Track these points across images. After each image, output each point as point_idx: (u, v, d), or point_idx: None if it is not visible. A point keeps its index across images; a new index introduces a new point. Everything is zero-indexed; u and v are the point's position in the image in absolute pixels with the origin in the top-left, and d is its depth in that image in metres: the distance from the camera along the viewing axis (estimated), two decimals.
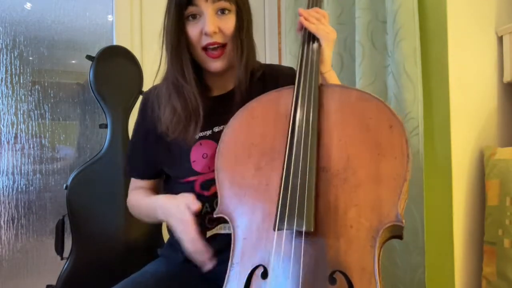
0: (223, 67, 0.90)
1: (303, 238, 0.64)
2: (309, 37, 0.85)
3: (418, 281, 1.22)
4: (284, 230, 0.64)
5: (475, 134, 1.24)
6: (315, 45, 0.84)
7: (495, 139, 1.26)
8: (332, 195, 0.67)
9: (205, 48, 0.88)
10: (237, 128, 0.80)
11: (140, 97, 1.61)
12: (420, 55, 1.24)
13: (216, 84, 0.97)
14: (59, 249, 1.48)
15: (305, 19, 0.84)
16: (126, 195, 1.10)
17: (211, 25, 0.84)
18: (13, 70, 1.76)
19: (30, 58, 1.80)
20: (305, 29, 0.86)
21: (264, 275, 0.65)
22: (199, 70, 0.93)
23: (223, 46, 0.88)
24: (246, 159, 0.76)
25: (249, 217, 0.71)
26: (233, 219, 0.72)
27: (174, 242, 1.01)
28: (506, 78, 1.24)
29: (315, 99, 0.76)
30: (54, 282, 1.42)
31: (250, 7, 0.93)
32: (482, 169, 1.22)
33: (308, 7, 0.90)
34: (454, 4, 1.21)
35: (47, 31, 1.83)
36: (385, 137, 0.70)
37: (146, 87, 1.63)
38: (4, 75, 1.74)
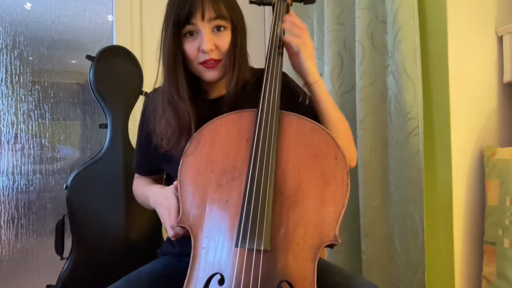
0: (219, 77, 0.93)
1: (261, 254, 0.72)
2: (272, 60, 0.91)
3: (418, 281, 1.22)
4: (246, 248, 0.72)
5: (475, 134, 1.24)
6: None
7: (495, 139, 1.26)
8: (285, 216, 0.76)
9: (201, 62, 0.92)
10: (201, 144, 0.84)
11: (140, 97, 1.62)
12: (420, 55, 1.24)
13: (212, 88, 1.00)
14: (59, 249, 1.48)
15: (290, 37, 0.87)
16: (126, 195, 1.11)
17: (208, 43, 0.87)
18: (13, 70, 1.76)
19: (30, 58, 1.80)
20: (269, 56, 0.91)
21: (221, 282, 0.72)
22: (195, 76, 0.96)
23: (218, 60, 0.92)
24: (208, 174, 0.81)
25: (209, 229, 0.77)
26: (194, 229, 0.78)
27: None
28: (506, 78, 1.24)
29: (276, 126, 0.82)
30: (54, 282, 1.42)
31: (245, 22, 0.96)
32: (482, 169, 1.23)
33: (279, 16, 0.95)
34: (454, 4, 1.21)
35: (47, 31, 1.83)
36: (330, 167, 0.79)
37: (146, 87, 1.63)
38: (4, 75, 1.74)
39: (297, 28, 0.89)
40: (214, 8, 0.87)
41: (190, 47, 0.89)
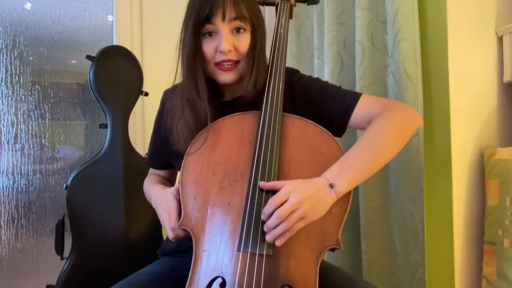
0: (234, 80, 0.91)
1: (263, 258, 0.71)
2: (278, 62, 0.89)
3: (418, 281, 1.22)
4: (248, 252, 0.71)
5: (475, 134, 1.24)
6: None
7: (495, 139, 1.26)
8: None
9: (217, 63, 0.90)
10: (203, 145, 0.84)
11: (140, 97, 1.62)
12: (420, 55, 1.24)
13: (228, 90, 0.99)
14: (59, 249, 1.48)
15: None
16: (126, 195, 1.11)
17: (226, 44, 0.86)
18: (13, 70, 1.76)
19: (30, 58, 1.80)
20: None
21: (223, 285, 0.72)
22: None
23: (236, 62, 0.90)
24: (211, 176, 0.80)
25: (211, 232, 0.76)
26: (195, 232, 0.77)
27: None
28: (506, 78, 1.24)
29: (278, 128, 0.81)
30: (54, 282, 1.42)
31: (265, 25, 0.94)
32: (482, 169, 1.22)
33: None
34: (454, 4, 1.21)
35: (47, 31, 1.83)
36: None
37: (146, 87, 1.63)
38: (4, 75, 1.75)
39: (284, 211, 0.70)
40: (235, 8, 0.86)
41: (208, 46, 0.88)
